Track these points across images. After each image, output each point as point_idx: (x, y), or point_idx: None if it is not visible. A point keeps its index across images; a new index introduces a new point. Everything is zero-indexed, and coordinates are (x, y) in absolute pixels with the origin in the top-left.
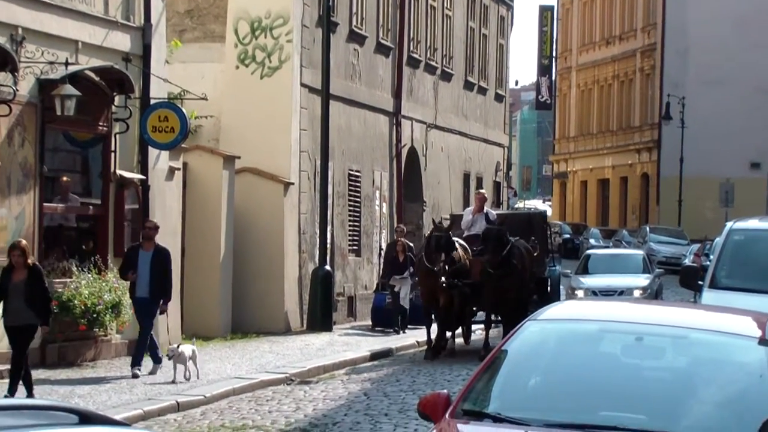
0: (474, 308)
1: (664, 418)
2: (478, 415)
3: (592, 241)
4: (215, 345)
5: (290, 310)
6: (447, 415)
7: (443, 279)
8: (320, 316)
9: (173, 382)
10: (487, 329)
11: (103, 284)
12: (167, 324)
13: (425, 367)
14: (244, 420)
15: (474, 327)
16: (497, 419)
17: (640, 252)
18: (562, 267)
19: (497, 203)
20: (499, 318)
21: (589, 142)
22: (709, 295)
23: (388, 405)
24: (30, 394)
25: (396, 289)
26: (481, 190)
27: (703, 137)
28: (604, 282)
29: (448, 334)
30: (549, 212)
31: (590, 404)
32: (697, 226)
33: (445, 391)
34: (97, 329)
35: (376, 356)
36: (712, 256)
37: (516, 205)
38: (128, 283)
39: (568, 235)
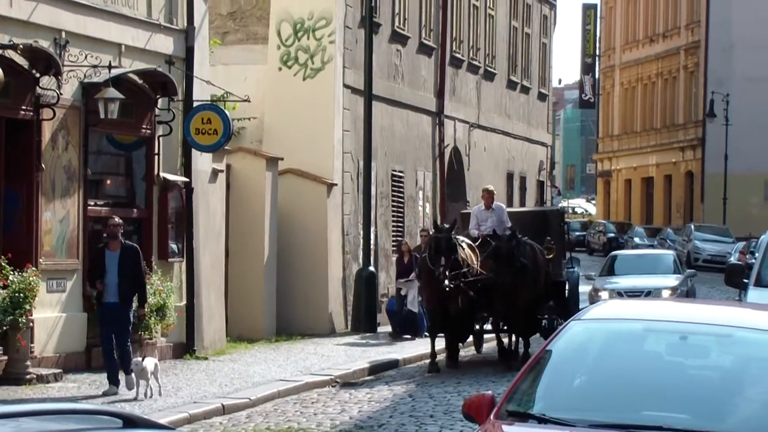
0: (485, 314)
1: (709, 417)
2: (523, 416)
3: (636, 239)
4: (260, 347)
5: (334, 311)
6: (492, 416)
7: (446, 283)
8: (364, 317)
9: (135, 399)
10: (498, 335)
11: (148, 287)
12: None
13: (470, 369)
14: (290, 423)
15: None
16: (542, 420)
17: (669, 252)
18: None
19: (541, 202)
20: (506, 327)
21: (633, 141)
22: (754, 294)
23: (434, 406)
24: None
25: (403, 293)
26: (489, 186)
27: (747, 134)
28: (630, 283)
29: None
30: (593, 210)
31: (635, 404)
32: (742, 223)
33: (490, 392)
34: (142, 332)
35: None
36: (757, 254)
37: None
38: (172, 285)
39: (612, 234)
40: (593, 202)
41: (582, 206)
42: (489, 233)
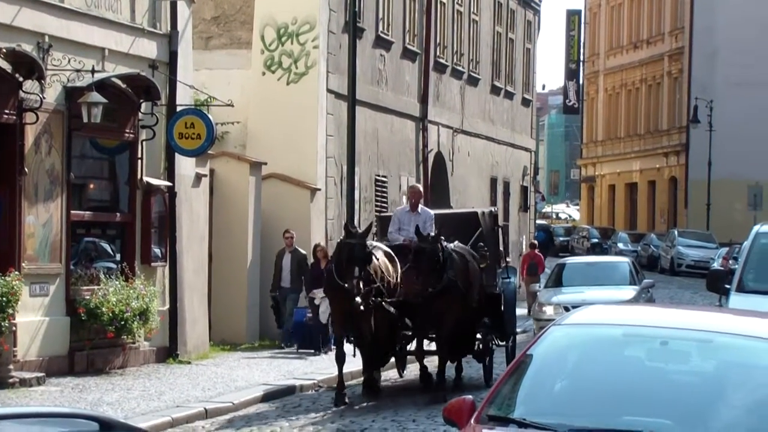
0: (408, 332)
1: (690, 422)
2: (504, 420)
3: (620, 245)
4: (243, 351)
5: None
6: (472, 421)
7: (358, 300)
8: None
9: None
10: (419, 359)
11: (131, 291)
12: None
13: (454, 373)
14: (272, 427)
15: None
16: (522, 424)
17: (624, 259)
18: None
19: (524, 208)
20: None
21: (616, 146)
22: (736, 299)
23: (416, 411)
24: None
25: (317, 302)
26: (417, 184)
27: (731, 140)
28: (579, 296)
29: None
30: (576, 216)
31: (615, 409)
32: (725, 229)
33: (470, 396)
34: (125, 336)
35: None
36: (739, 260)
37: (543, 210)
38: (155, 290)
39: (596, 240)
40: (577, 207)
41: (566, 211)
42: (412, 238)
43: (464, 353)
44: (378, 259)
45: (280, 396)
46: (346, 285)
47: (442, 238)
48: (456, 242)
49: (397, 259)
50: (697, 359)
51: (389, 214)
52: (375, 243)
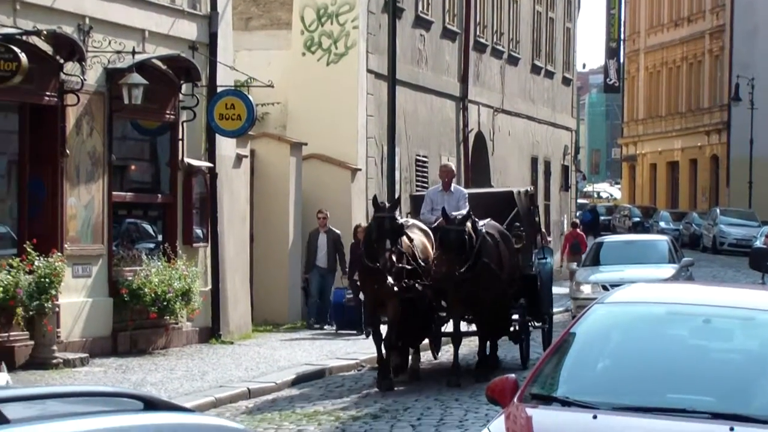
0: (443, 314)
1: (733, 399)
2: (547, 399)
3: (662, 224)
4: (285, 331)
5: None
6: (515, 399)
7: (390, 281)
8: None
9: None
10: (455, 345)
11: (173, 272)
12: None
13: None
14: (315, 407)
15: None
16: (565, 403)
17: (663, 238)
18: None
19: (565, 187)
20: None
21: (657, 125)
22: None
23: (459, 391)
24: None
25: (359, 283)
26: (448, 163)
27: None
28: (617, 275)
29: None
30: (618, 195)
31: (658, 387)
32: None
33: (513, 375)
34: (167, 317)
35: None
36: None
37: (584, 189)
38: (197, 270)
39: (638, 219)
40: (618, 186)
41: (607, 191)
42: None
43: (500, 334)
44: (413, 240)
45: (322, 376)
46: (378, 264)
47: (474, 217)
48: (488, 220)
49: (432, 237)
50: (740, 337)
51: (422, 194)
52: (411, 220)
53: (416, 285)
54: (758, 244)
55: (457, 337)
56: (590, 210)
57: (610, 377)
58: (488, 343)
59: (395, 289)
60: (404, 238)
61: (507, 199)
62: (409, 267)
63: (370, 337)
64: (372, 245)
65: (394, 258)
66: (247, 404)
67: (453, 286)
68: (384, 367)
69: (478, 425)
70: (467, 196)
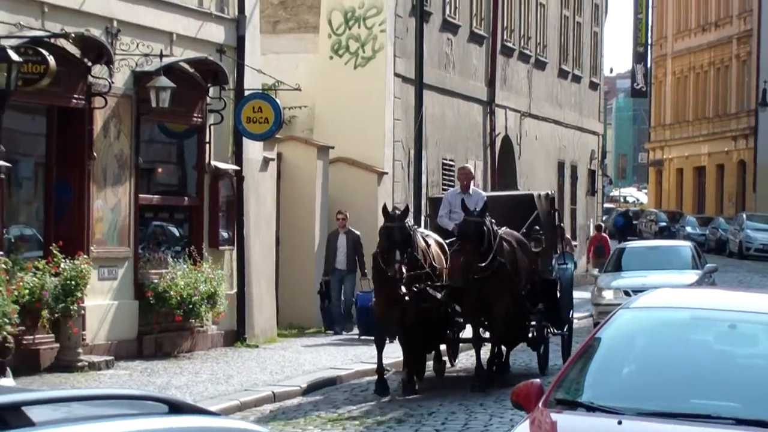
0: (460, 319)
1: (758, 405)
2: (571, 404)
3: (688, 229)
4: (310, 336)
5: None
6: (540, 404)
7: (403, 289)
8: None
9: None
10: (476, 348)
11: (199, 275)
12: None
13: (519, 356)
14: (339, 411)
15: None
16: (590, 408)
17: (686, 243)
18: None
19: (592, 192)
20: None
21: (684, 130)
22: None
23: (484, 396)
24: None
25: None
26: (466, 165)
27: None
28: (639, 281)
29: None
30: (644, 200)
31: (683, 393)
32: None
33: (538, 380)
34: (193, 320)
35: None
36: None
37: (610, 193)
38: (223, 273)
39: (664, 223)
40: (645, 191)
41: (633, 195)
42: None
43: (517, 341)
44: (429, 246)
45: (347, 380)
46: (389, 273)
47: (491, 219)
48: (504, 228)
49: (446, 247)
50: (765, 342)
51: (440, 196)
52: (427, 231)
53: (427, 288)
54: None
55: (477, 342)
56: (622, 214)
57: (635, 383)
58: (497, 349)
59: (407, 298)
60: (420, 239)
61: (527, 202)
62: (424, 271)
63: (396, 340)
64: (386, 251)
65: (404, 269)
66: (272, 408)
67: (469, 282)
68: (381, 373)
69: (502, 430)
70: (486, 198)
